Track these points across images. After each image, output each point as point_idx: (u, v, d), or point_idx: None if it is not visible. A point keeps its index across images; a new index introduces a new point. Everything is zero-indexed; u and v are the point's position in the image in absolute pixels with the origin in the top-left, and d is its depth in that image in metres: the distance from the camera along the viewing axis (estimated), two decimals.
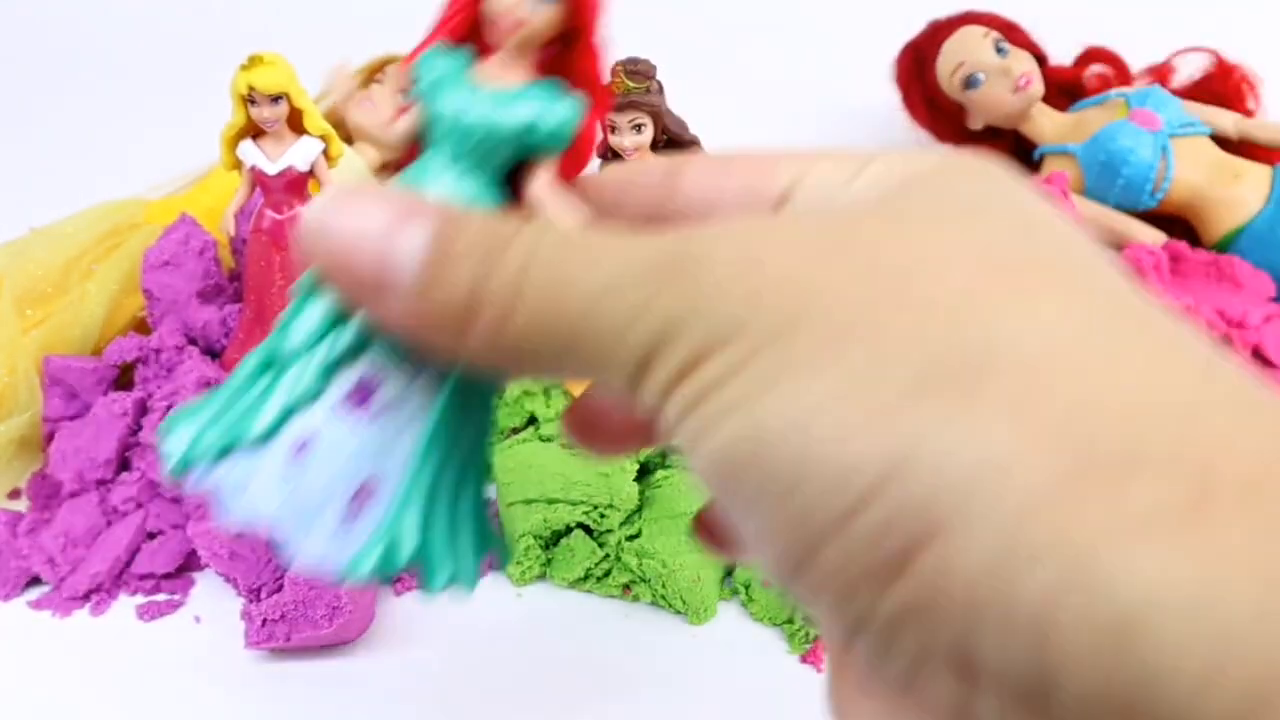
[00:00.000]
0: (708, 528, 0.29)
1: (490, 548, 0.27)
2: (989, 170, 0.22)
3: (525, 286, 0.20)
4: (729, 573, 0.46)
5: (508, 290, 0.20)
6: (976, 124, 0.74)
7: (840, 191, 0.23)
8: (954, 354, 0.17)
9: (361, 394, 0.24)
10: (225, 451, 0.23)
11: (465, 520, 0.26)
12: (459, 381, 0.25)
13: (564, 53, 0.26)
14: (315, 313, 0.24)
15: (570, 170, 0.26)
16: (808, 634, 0.43)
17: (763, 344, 0.17)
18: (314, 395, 0.24)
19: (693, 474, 0.19)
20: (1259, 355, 0.52)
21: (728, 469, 0.17)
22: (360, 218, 0.21)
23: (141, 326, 0.58)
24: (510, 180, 0.26)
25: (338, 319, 0.24)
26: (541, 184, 0.25)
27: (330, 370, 0.24)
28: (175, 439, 0.24)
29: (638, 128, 0.46)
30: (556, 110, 0.25)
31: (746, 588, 0.45)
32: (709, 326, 0.18)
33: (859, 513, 0.16)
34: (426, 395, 0.24)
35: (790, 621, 0.44)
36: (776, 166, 0.25)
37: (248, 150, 0.50)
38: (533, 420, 0.52)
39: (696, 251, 0.19)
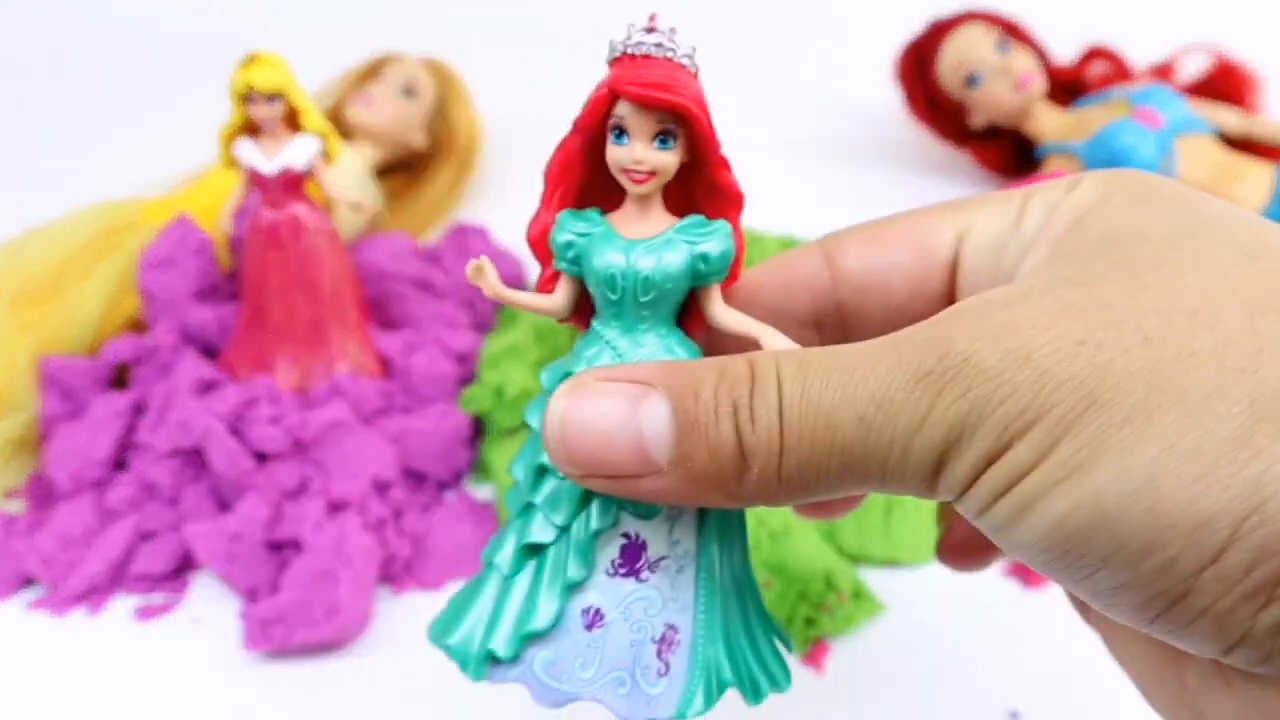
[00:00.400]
0: (955, 550, 0.31)
1: (785, 641, 0.28)
2: (1146, 183, 0.24)
3: (789, 423, 0.21)
4: None
5: (774, 432, 0.21)
6: (978, 122, 0.74)
7: (1012, 238, 0.25)
8: (1267, 387, 0.18)
9: (628, 556, 0.25)
10: (521, 644, 0.25)
11: (758, 628, 0.27)
12: (715, 512, 0.26)
13: (689, 179, 0.26)
14: (558, 494, 0.25)
15: (725, 285, 0.27)
16: (806, 636, 0.43)
17: (1065, 427, 0.19)
18: (586, 572, 0.25)
19: (1011, 549, 0.20)
20: None
21: (1067, 540, 0.19)
22: (600, 417, 0.22)
23: (138, 326, 0.58)
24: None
25: (585, 497, 0.25)
26: (723, 311, 0.26)
27: (589, 545, 0.25)
28: (458, 644, 0.26)
29: None
30: (716, 240, 0.26)
31: None
32: (1001, 421, 0.19)
33: (1227, 551, 0.18)
34: (689, 535, 0.26)
35: (790, 621, 0.44)
36: (935, 226, 0.26)
37: (245, 149, 0.49)
38: None
39: (960, 353, 0.20)
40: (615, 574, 0.25)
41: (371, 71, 0.74)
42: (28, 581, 0.47)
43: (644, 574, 0.25)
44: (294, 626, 0.42)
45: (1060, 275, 0.21)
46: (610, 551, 0.25)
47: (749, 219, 0.65)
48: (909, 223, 0.27)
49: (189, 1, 1.14)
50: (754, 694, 0.26)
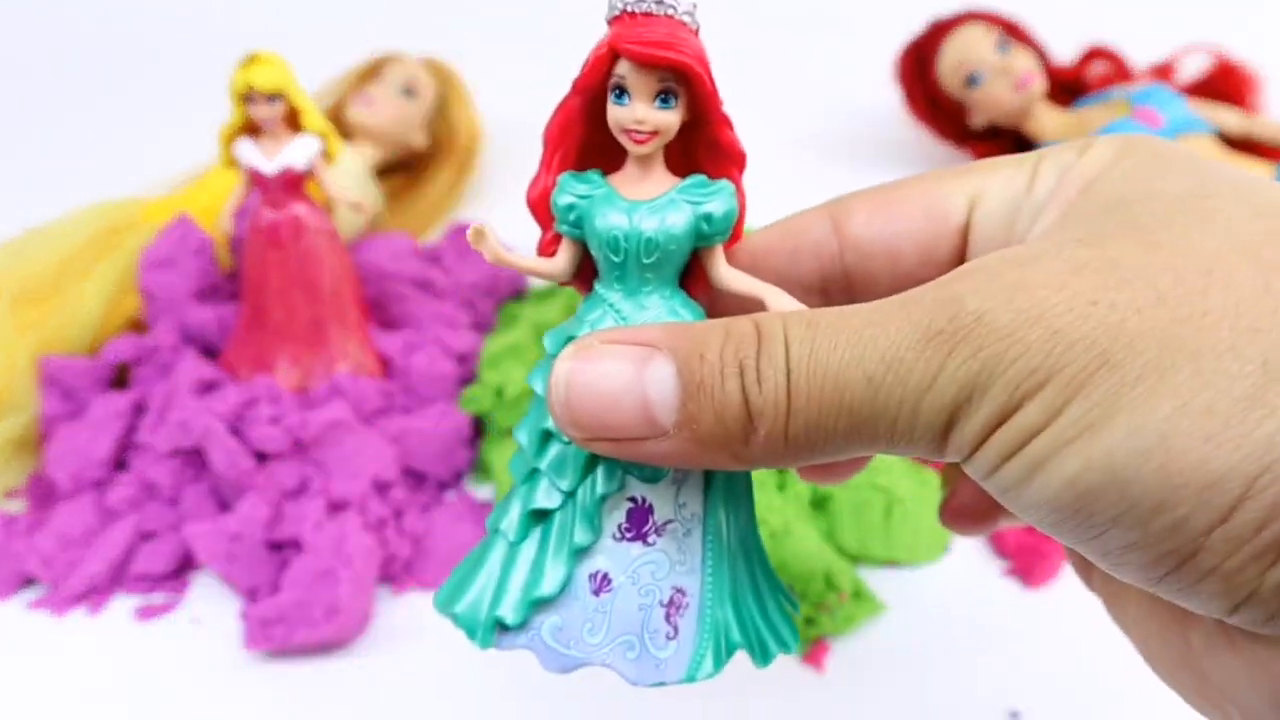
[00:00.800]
0: (959, 513, 0.30)
1: (793, 603, 0.28)
2: (1158, 147, 0.23)
3: (797, 383, 0.20)
4: None
5: (780, 393, 0.20)
6: (978, 122, 0.74)
7: (1025, 201, 0.24)
8: None
9: (635, 520, 0.25)
10: (529, 611, 0.24)
11: (765, 590, 0.27)
12: (722, 474, 0.26)
13: (690, 138, 0.26)
14: (563, 458, 0.25)
15: (729, 245, 0.26)
16: (806, 636, 0.43)
17: (1077, 386, 0.18)
18: (593, 537, 0.25)
19: (1021, 509, 0.20)
20: None
21: (1077, 500, 0.19)
22: (605, 379, 0.22)
23: (138, 326, 0.58)
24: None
25: (590, 462, 0.25)
26: (727, 272, 0.26)
27: (596, 510, 0.25)
28: (464, 612, 0.26)
29: None
30: (719, 200, 0.25)
31: None
32: (1012, 380, 0.19)
33: (1237, 510, 0.18)
34: (696, 498, 0.26)
35: None
36: (947, 191, 0.26)
37: (245, 149, 0.49)
38: None
39: (971, 313, 0.19)
40: (622, 538, 0.25)
41: (372, 71, 0.74)
42: (28, 581, 0.47)
43: (651, 538, 0.25)
44: (294, 626, 0.42)
45: (1072, 236, 0.21)
46: (617, 516, 0.25)
47: (748, 219, 0.65)
48: (920, 188, 0.26)
49: (189, 1, 1.14)
50: (763, 655, 0.26)
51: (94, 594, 0.46)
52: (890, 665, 0.42)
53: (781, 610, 0.27)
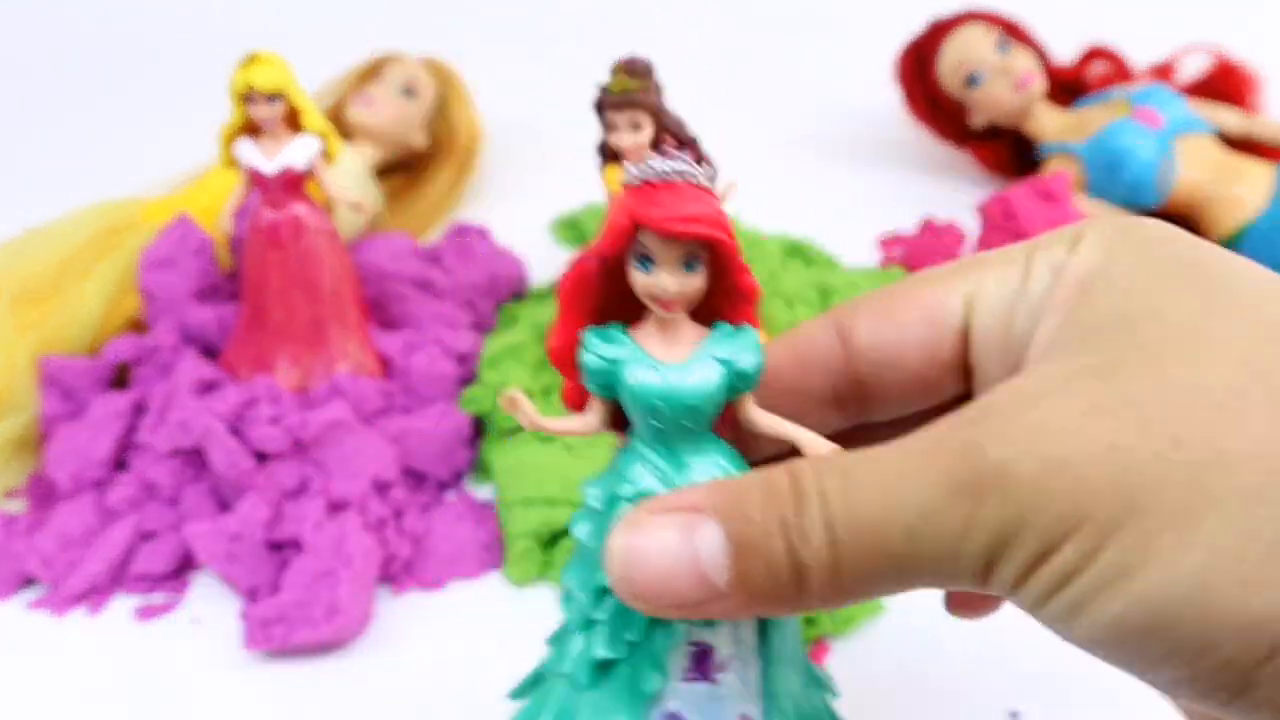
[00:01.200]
0: (963, 604, 0.31)
1: (832, 693, 0.31)
2: (1149, 240, 0.24)
3: (840, 537, 0.21)
4: None
5: (825, 550, 0.22)
6: (978, 122, 0.74)
7: (1019, 301, 0.25)
8: None
9: (698, 663, 0.27)
10: None
11: (813, 689, 0.30)
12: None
13: (709, 285, 0.26)
14: (625, 613, 0.26)
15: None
16: (806, 636, 0.43)
17: (1109, 532, 0.19)
18: (662, 683, 0.27)
19: (1072, 642, 0.21)
20: None
21: (1124, 639, 0.20)
22: (659, 554, 0.23)
23: (138, 326, 0.58)
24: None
25: (654, 623, 0.27)
26: (757, 415, 0.27)
27: (661, 658, 0.27)
28: None
29: (636, 127, 0.46)
30: (750, 354, 0.26)
31: None
32: (1045, 527, 0.20)
33: None
34: (750, 630, 0.27)
35: None
36: (944, 294, 0.26)
37: (245, 149, 0.50)
38: None
39: (993, 463, 0.20)
40: (688, 680, 0.27)
41: (371, 71, 0.74)
42: (28, 581, 0.47)
43: (715, 676, 0.27)
44: (294, 626, 0.42)
45: (1080, 362, 0.22)
46: (681, 660, 0.27)
47: (749, 219, 0.65)
48: (918, 292, 0.27)
49: (189, 1, 1.14)
50: None
51: (94, 594, 0.46)
52: (890, 665, 0.42)
53: (827, 706, 0.30)
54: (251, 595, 0.45)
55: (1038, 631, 0.45)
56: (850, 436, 0.27)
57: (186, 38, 1.10)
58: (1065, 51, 0.77)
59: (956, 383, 0.27)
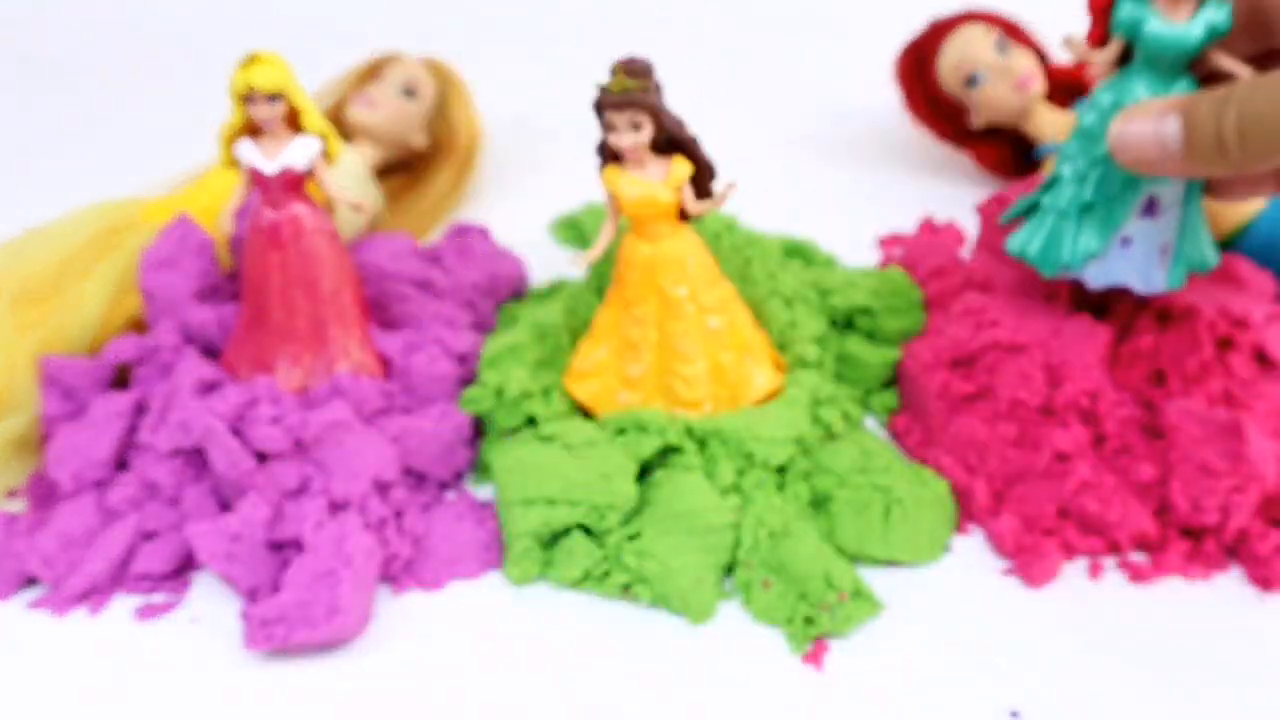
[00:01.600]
0: (1229, 188, 0.48)
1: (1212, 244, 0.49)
2: None
3: (1243, 127, 0.39)
4: (728, 573, 0.46)
5: (1235, 132, 0.39)
6: (978, 123, 0.74)
7: None
8: None
9: (1149, 206, 0.46)
10: (1089, 253, 0.47)
11: (1201, 230, 0.48)
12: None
13: None
14: (1108, 176, 0.46)
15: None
16: (806, 635, 0.43)
17: None
18: (1124, 216, 0.46)
19: None
20: (1262, 355, 0.52)
21: None
22: (1138, 131, 0.42)
23: (139, 326, 0.58)
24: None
25: (1126, 182, 0.46)
26: (1220, 56, 0.44)
27: (1129, 203, 0.46)
28: (1031, 246, 0.49)
29: (636, 127, 0.46)
30: (1225, 15, 0.43)
31: (747, 589, 0.45)
32: None
33: None
34: (1179, 185, 0.46)
35: (790, 621, 0.44)
36: None
37: (246, 149, 0.50)
38: (532, 420, 0.52)
39: None
40: (1142, 216, 0.46)
41: (372, 72, 0.74)
42: (29, 581, 0.47)
43: (1156, 214, 0.46)
44: (294, 626, 0.42)
45: None
46: (1138, 207, 0.46)
47: (749, 219, 0.65)
48: None
49: (190, 2, 1.14)
50: (1205, 265, 0.48)
51: (95, 594, 0.46)
52: (890, 665, 0.42)
53: (1201, 236, 0.48)
54: (252, 595, 0.45)
55: (1038, 631, 0.45)
56: (1264, 58, 0.45)
57: (187, 38, 1.10)
58: (1065, 51, 0.77)
59: None
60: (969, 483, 0.49)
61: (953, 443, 0.50)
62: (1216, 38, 0.43)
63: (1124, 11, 0.43)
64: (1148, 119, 0.42)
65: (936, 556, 0.47)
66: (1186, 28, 0.42)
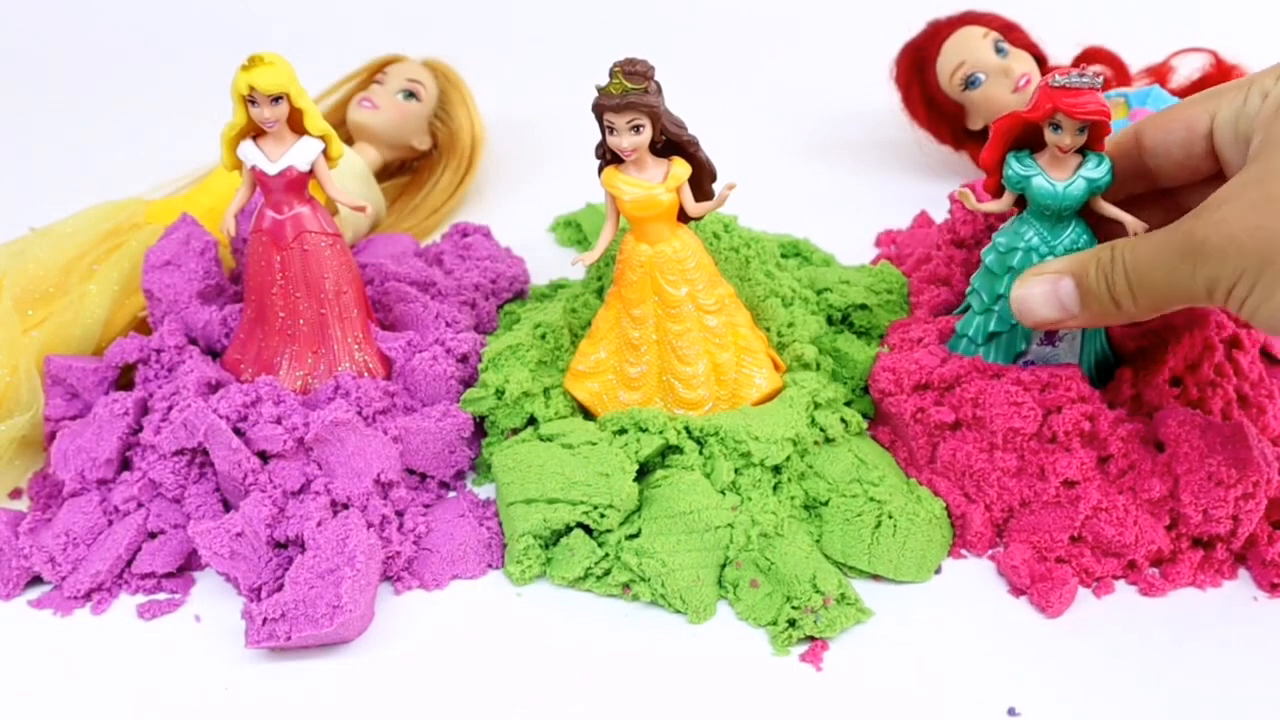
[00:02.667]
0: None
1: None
2: None
3: (1132, 286, 0.42)
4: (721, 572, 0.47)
5: (1126, 291, 0.42)
6: (976, 124, 0.74)
7: (1241, 116, 0.42)
8: None
9: (1049, 335, 0.50)
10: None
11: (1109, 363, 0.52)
12: None
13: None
14: (1009, 312, 0.49)
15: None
16: (790, 636, 0.43)
17: (1256, 276, 0.37)
18: (1026, 345, 0.50)
19: (1258, 327, 0.39)
20: (1266, 353, 0.52)
21: (1274, 324, 0.38)
22: (1037, 296, 0.45)
23: (142, 327, 0.58)
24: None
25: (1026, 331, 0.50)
26: (1104, 205, 0.47)
27: (1028, 333, 0.50)
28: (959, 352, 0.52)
29: (636, 128, 0.46)
30: (1104, 172, 0.46)
31: (734, 588, 0.45)
32: (1228, 276, 0.38)
33: None
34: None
35: (774, 623, 0.44)
36: (1197, 111, 0.44)
37: (248, 150, 0.50)
38: (532, 420, 0.52)
39: (1199, 241, 0.39)
40: (1042, 344, 0.50)
41: (373, 73, 0.74)
42: (33, 580, 0.47)
43: (1056, 343, 0.50)
44: (296, 624, 0.42)
45: (1255, 174, 0.38)
46: (1039, 334, 0.50)
47: (748, 219, 0.65)
48: (1185, 113, 0.44)
49: (192, 3, 1.14)
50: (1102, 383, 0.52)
51: (98, 592, 0.46)
52: (890, 664, 0.43)
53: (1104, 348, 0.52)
54: (254, 593, 0.46)
55: (1038, 631, 0.45)
56: (1147, 198, 0.48)
57: (190, 40, 1.10)
58: (1063, 52, 0.77)
59: (1210, 167, 0.45)
60: (966, 510, 0.48)
61: (945, 469, 0.49)
62: (1097, 192, 0.46)
63: (1012, 170, 0.48)
64: (1043, 282, 0.45)
65: (923, 578, 0.46)
66: (1068, 185, 0.46)
